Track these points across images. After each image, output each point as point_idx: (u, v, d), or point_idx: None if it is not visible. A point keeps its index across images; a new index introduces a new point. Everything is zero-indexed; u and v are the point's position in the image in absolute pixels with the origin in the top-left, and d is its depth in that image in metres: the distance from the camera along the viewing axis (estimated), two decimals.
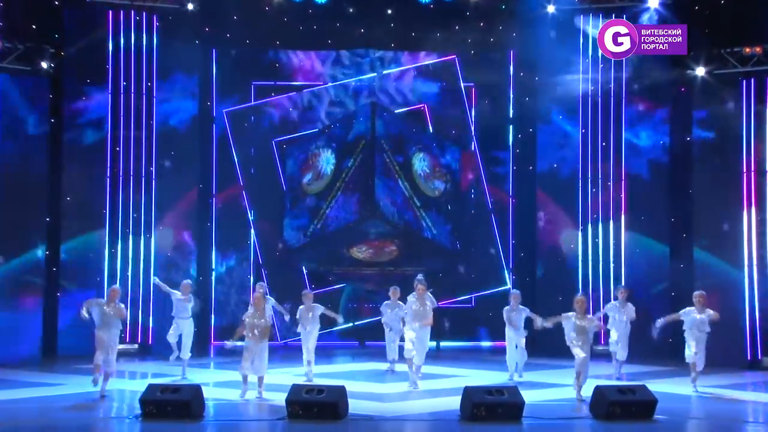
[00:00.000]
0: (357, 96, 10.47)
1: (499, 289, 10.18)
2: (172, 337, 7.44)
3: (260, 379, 6.40)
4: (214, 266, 10.23)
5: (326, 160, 10.20)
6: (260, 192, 10.41)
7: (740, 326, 8.55)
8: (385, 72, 10.48)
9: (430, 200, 10.22)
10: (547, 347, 8.31)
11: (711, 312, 6.75)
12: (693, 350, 6.69)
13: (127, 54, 9.36)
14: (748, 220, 8.75)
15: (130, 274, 9.25)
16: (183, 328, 7.45)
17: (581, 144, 9.67)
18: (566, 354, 6.59)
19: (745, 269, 8.68)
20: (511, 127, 10.51)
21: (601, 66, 9.43)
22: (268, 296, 7.67)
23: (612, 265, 9.48)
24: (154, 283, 8.03)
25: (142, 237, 9.33)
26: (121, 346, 7.17)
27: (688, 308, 6.89)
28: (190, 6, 9.40)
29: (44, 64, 8.82)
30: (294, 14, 9.79)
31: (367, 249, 10.16)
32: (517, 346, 7.37)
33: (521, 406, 5.53)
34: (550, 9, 9.42)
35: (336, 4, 9.68)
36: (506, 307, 7.46)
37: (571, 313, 6.38)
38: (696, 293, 6.93)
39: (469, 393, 5.58)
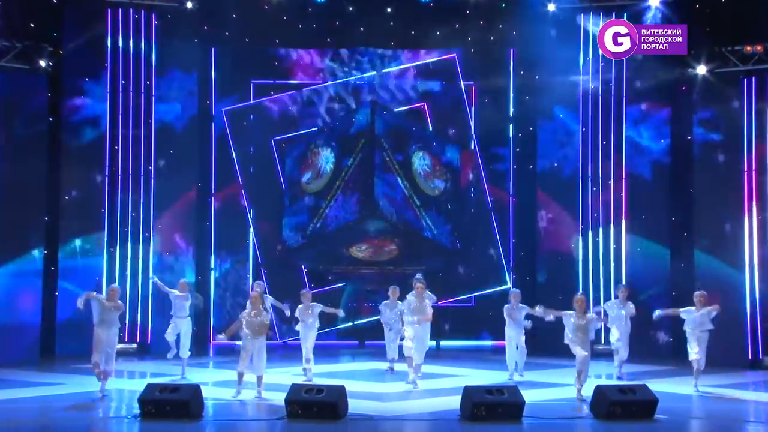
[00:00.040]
0: (357, 94, 10.44)
1: (499, 288, 10.16)
2: (170, 336, 7.42)
3: (259, 378, 6.38)
4: (213, 265, 10.21)
5: (326, 159, 10.17)
6: (259, 191, 10.38)
7: (741, 326, 8.53)
8: (384, 70, 10.44)
9: (430, 199, 10.19)
10: (547, 346, 8.30)
11: (710, 311, 6.71)
12: (695, 350, 6.66)
13: (125, 52, 9.33)
14: (749, 219, 8.73)
15: (128, 273, 9.23)
16: (181, 327, 7.44)
17: (582, 143, 9.65)
18: (566, 353, 6.57)
19: (746, 269, 8.66)
20: (511, 125, 10.49)
21: (601, 64, 9.41)
22: (267, 295, 7.64)
23: (612, 264, 9.47)
24: (153, 283, 8.01)
25: (141, 236, 9.31)
26: (120, 346, 7.16)
27: (688, 307, 6.87)
28: (189, 4, 9.36)
29: (42, 63, 8.79)
30: (293, 12, 9.76)
31: (367, 248, 10.14)
32: (517, 346, 7.35)
33: (521, 406, 5.51)
34: (551, 7, 9.40)
35: (335, 2, 9.67)
36: (506, 306, 7.44)
37: (571, 312, 6.36)
38: (697, 293, 6.91)
39: (469, 392, 5.56)
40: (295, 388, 5.66)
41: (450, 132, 10.57)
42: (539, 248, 9.92)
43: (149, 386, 5.72)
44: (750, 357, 8.54)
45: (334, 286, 10.28)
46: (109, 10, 9.26)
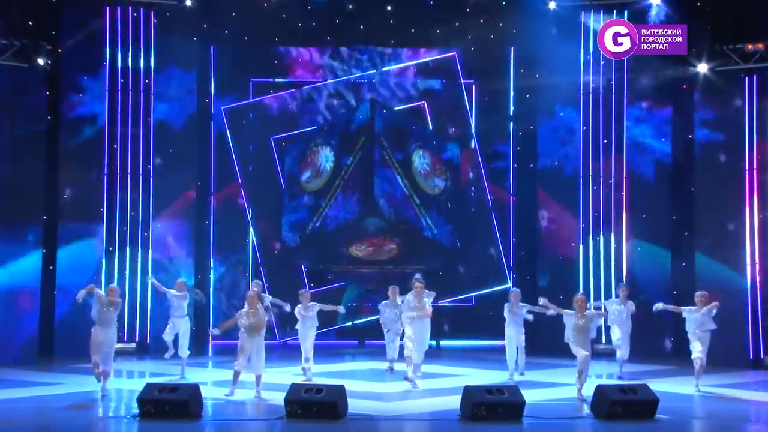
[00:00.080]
0: (356, 93, 10.41)
1: (500, 287, 10.13)
2: (167, 336, 7.40)
3: (258, 377, 6.36)
4: (212, 265, 10.18)
5: (325, 158, 10.14)
6: (259, 190, 10.35)
7: (742, 325, 8.50)
8: (384, 68, 10.41)
9: (430, 198, 10.16)
10: (547, 346, 8.27)
11: (711, 309, 6.68)
12: (698, 349, 6.63)
13: (124, 51, 9.29)
14: (751, 218, 8.70)
15: (127, 272, 9.20)
16: (179, 327, 7.41)
17: (582, 141, 9.61)
18: (567, 353, 6.55)
19: (747, 268, 8.64)
20: (511, 124, 10.45)
21: (602, 63, 9.38)
22: (265, 294, 7.61)
23: (613, 263, 9.44)
24: (151, 283, 7.98)
25: (140, 235, 9.28)
26: (119, 345, 7.13)
27: (690, 307, 6.85)
28: (188, 2, 9.32)
29: (41, 61, 8.75)
30: (293, 10, 9.73)
31: (367, 247, 10.11)
32: (517, 348, 7.31)
33: (522, 406, 5.49)
34: (551, 5, 9.36)
35: (335, 0, 9.61)
36: (506, 305, 7.42)
37: (571, 312, 6.33)
38: (698, 293, 6.88)
39: (469, 392, 5.54)
40: (294, 388, 5.64)
41: (450, 130, 10.54)
42: (540, 247, 9.90)
43: (148, 386, 5.70)
44: (751, 356, 8.51)
45: (334, 285, 10.25)
46: (107, 8, 9.22)
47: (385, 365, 7.90)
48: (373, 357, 8.59)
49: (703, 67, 8.84)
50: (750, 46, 8.67)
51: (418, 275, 7.57)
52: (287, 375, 7.40)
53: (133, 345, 9.15)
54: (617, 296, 7.80)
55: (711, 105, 8.95)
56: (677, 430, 5.43)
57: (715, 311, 6.67)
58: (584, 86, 9.53)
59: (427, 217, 10.09)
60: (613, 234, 9.45)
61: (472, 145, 10.51)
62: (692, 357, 6.69)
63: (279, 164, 10.37)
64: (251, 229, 10.28)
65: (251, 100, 10.39)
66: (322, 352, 8.36)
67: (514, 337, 7.32)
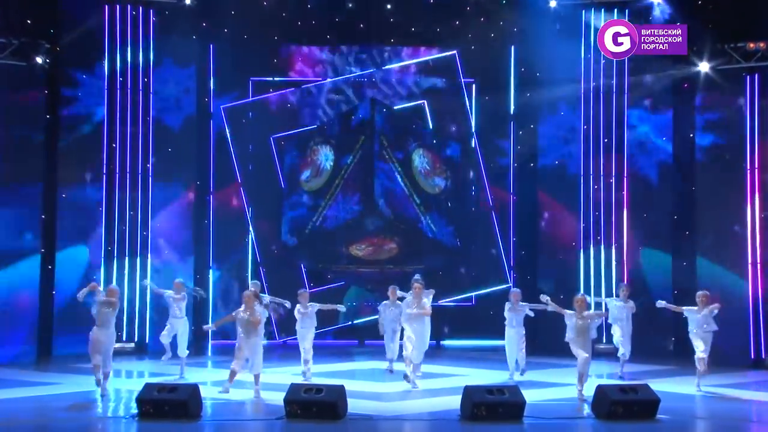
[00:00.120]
0: (356, 92, 10.37)
1: (500, 287, 10.10)
2: (165, 338, 7.35)
3: (256, 377, 6.34)
4: (211, 264, 10.15)
5: (325, 157, 10.11)
6: (258, 189, 10.32)
7: (743, 325, 8.47)
8: (384, 67, 10.37)
9: (430, 198, 10.13)
10: (547, 346, 8.24)
11: (712, 309, 6.66)
12: (701, 348, 6.61)
13: (123, 49, 9.26)
14: (752, 217, 8.67)
15: (126, 272, 9.17)
16: (177, 328, 7.38)
17: (583, 140, 9.58)
18: (567, 353, 6.53)
19: (749, 267, 8.61)
20: (512, 123, 10.42)
21: (602, 62, 9.34)
22: (263, 294, 7.59)
23: (614, 262, 9.40)
24: (146, 287, 7.94)
25: (139, 234, 9.25)
26: (118, 345, 7.10)
27: (691, 307, 6.82)
28: (188, 0, 9.28)
29: (39, 60, 8.71)
30: (293, 9, 9.70)
31: (367, 247, 10.08)
32: (518, 348, 7.28)
33: (522, 406, 5.47)
34: (552, 4, 9.32)
35: None
36: (507, 304, 7.39)
37: (571, 312, 6.31)
38: (699, 293, 6.86)
39: (469, 392, 5.52)
40: (294, 388, 5.62)
41: (450, 129, 10.51)
42: (540, 247, 9.87)
43: (147, 386, 5.68)
44: (752, 356, 8.49)
45: (334, 285, 10.22)
46: (106, 6, 9.18)
47: (384, 365, 7.87)
48: (372, 357, 8.56)
49: (704, 66, 8.80)
50: (751, 45, 8.64)
51: (417, 276, 7.54)
52: (287, 375, 7.37)
53: (132, 345, 9.12)
54: (618, 296, 7.79)
55: (712, 104, 8.92)
56: (678, 430, 5.42)
57: (716, 312, 6.65)
58: (585, 85, 9.50)
59: (427, 216, 10.06)
60: (613, 233, 9.43)
61: (473, 144, 10.47)
62: (695, 357, 6.67)
63: (278, 163, 10.34)
64: (250, 228, 10.25)
65: (251, 98, 10.35)
66: (322, 352, 8.33)
67: (514, 337, 7.29)
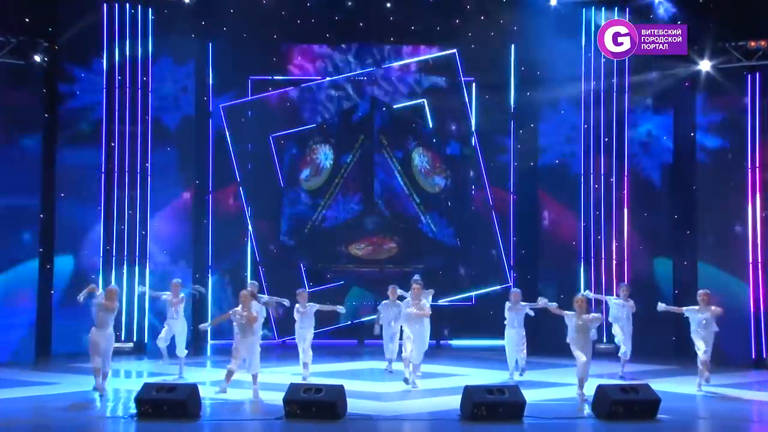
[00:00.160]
0: (356, 90, 10.34)
1: (500, 286, 10.08)
2: (161, 342, 7.29)
3: (254, 376, 6.31)
4: (210, 263, 10.12)
5: (324, 156, 10.08)
6: (257, 188, 10.29)
7: (745, 325, 8.45)
8: (384, 66, 10.33)
9: (430, 197, 10.10)
10: (547, 346, 8.22)
11: (714, 308, 6.64)
12: (702, 349, 6.58)
13: (122, 48, 9.23)
14: (753, 216, 8.64)
15: (125, 271, 9.14)
16: (175, 329, 7.34)
17: (583, 139, 9.55)
18: (567, 353, 6.50)
19: (750, 267, 8.59)
20: (512, 122, 10.38)
21: (603, 60, 9.30)
22: (260, 294, 7.55)
23: (614, 262, 9.38)
24: (144, 293, 7.91)
25: (138, 234, 9.22)
26: (116, 345, 7.05)
27: (692, 307, 6.80)
28: None
29: (38, 58, 8.69)
30: (292, 7, 9.68)
31: (366, 246, 10.06)
32: (517, 348, 7.25)
33: (522, 406, 5.45)
34: (552, 2, 9.28)
35: None
36: (507, 305, 7.37)
37: (572, 313, 6.28)
38: (700, 291, 6.84)
39: (469, 392, 5.50)
40: (293, 388, 5.59)
41: (450, 128, 10.47)
42: (540, 246, 9.84)
43: (146, 386, 5.66)
44: (754, 356, 8.47)
45: (333, 284, 10.19)
46: (105, 5, 9.16)
47: (384, 364, 7.85)
48: (372, 356, 8.54)
49: (705, 65, 8.78)
50: (752, 44, 8.61)
51: (417, 276, 7.52)
52: (286, 375, 7.35)
53: (131, 344, 9.09)
54: (618, 295, 7.77)
55: (713, 103, 8.89)
56: (679, 430, 5.40)
57: (717, 313, 6.61)
58: (585, 84, 9.47)
59: (427, 216, 10.03)
60: (614, 232, 9.40)
61: (473, 143, 10.44)
62: (699, 359, 6.63)
63: (278, 162, 10.31)
64: (250, 228, 10.22)
65: (250, 97, 10.32)
66: (321, 352, 8.30)
67: (514, 337, 7.27)
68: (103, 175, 9.20)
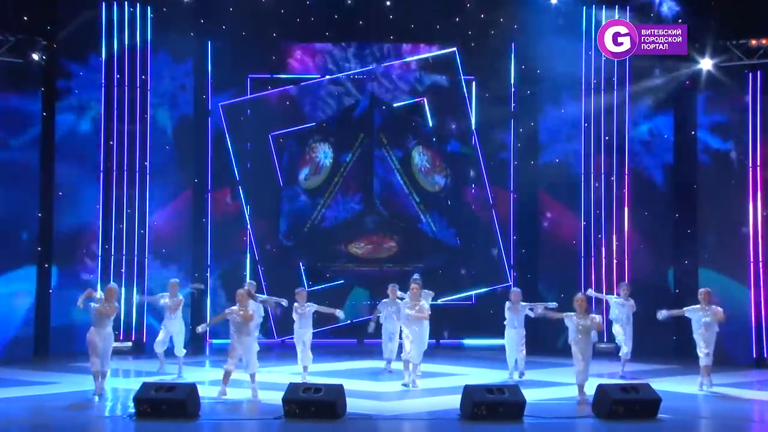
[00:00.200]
0: (355, 89, 10.30)
1: (500, 286, 10.05)
2: (159, 347, 7.20)
3: (252, 376, 6.28)
4: (209, 262, 10.10)
5: (324, 155, 10.05)
6: (256, 187, 10.25)
7: (746, 324, 8.43)
8: (384, 64, 10.30)
9: (430, 196, 10.07)
10: (547, 346, 8.20)
11: (715, 309, 6.62)
12: (704, 352, 6.55)
13: (120, 46, 9.21)
14: (754, 215, 8.62)
15: (124, 271, 9.12)
16: (173, 330, 7.30)
17: (584, 138, 9.53)
18: (567, 353, 6.48)
19: (751, 266, 8.56)
20: (512, 120, 10.35)
21: (604, 58, 9.26)
22: (258, 294, 7.52)
23: (615, 261, 9.36)
24: (142, 302, 7.84)
25: (136, 233, 9.20)
26: (115, 344, 7.03)
27: (693, 306, 6.77)
28: None
29: (36, 56, 8.66)
30: (291, 6, 9.64)
31: (366, 245, 10.04)
32: (517, 348, 7.22)
33: (523, 405, 5.43)
34: (553, 0, 9.25)
35: None
36: (507, 304, 7.34)
37: (572, 314, 6.25)
38: (701, 290, 6.82)
39: (469, 392, 5.48)
40: (292, 387, 5.57)
41: (450, 127, 10.44)
42: (541, 245, 9.82)
43: (145, 385, 5.63)
44: (755, 355, 8.45)
45: (332, 283, 10.17)
46: (103, 3, 9.13)
47: (383, 364, 7.82)
48: (371, 356, 8.52)
49: (706, 63, 8.75)
50: (754, 42, 8.59)
51: (416, 275, 7.50)
52: (285, 374, 7.33)
53: (130, 344, 9.07)
54: (619, 294, 7.74)
55: (714, 101, 8.87)
56: (679, 430, 5.37)
57: (719, 318, 6.57)
58: (586, 82, 9.44)
59: (427, 214, 10.00)
60: (615, 231, 9.37)
61: (473, 142, 10.41)
62: (700, 360, 6.60)
63: (277, 161, 10.28)
64: (249, 227, 10.19)
65: (249, 96, 10.29)
66: (320, 351, 8.28)
67: (514, 338, 7.23)
68: (101, 173, 9.17)
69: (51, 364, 8.15)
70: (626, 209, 9.39)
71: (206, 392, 6.24)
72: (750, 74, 8.67)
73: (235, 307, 6.30)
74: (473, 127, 10.42)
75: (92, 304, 6.26)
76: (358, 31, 10.05)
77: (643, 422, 5.34)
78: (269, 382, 6.68)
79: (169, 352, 7.38)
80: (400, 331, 7.17)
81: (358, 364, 8.32)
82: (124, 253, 9.17)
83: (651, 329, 7.89)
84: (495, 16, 9.74)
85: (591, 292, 7.94)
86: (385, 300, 7.69)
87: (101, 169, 9.18)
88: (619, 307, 7.55)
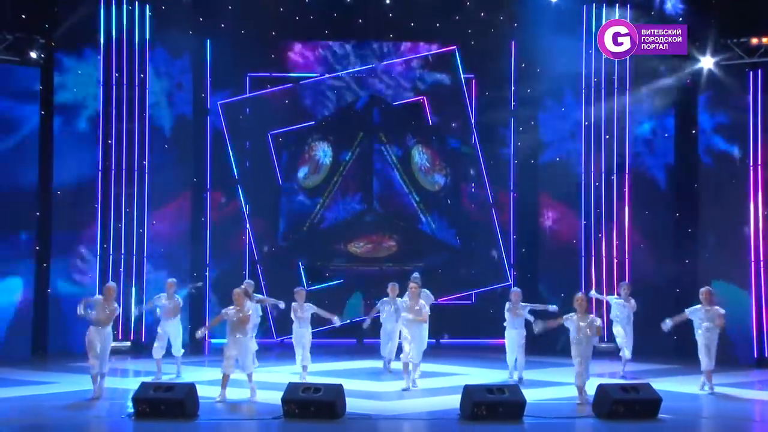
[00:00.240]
0: (355, 88, 10.26)
1: (500, 285, 10.02)
2: (157, 352, 7.12)
3: (249, 376, 6.25)
4: (208, 261, 10.07)
5: (323, 153, 10.02)
6: (255, 186, 10.21)
7: (747, 323, 8.41)
8: (383, 63, 10.27)
9: (430, 195, 10.04)
10: (547, 346, 8.17)
11: (717, 310, 6.59)
12: (706, 359, 6.50)
13: (119, 45, 9.18)
14: (755, 214, 8.59)
15: (122, 270, 9.09)
16: (170, 330, 7.26)
17: (584, 136, 9.50)
18: (567, 353, 6.45)
19: (752, 265, 8.53)
20: (512, 119, 10.31)
21: (604, 57, 9.23)
22: (256, 294, 7.48)
23: (615, 260, 9.33)
24: (141, 313, 7.78)
25: (135, 232, 9.17)
26: (114, 344, 7.03)
27: (694, 307, 6.73)
28: None
29: (34, 55, 8.63)
30: (290, 4, 9.61)
31: (365, 244, 10.01)
32: (517, 348, 7.18)
33: (523, 405, 5.41)
34: None
35: None
36: (507, 305, 7.31)
37: (572, 314, 6.21)
38: (702, 290, 6.77)
39: (469, 391, 5.47)
40: (292, 387, 5.56)
41: (450, 126, 10.40)
42: (541, 245, 9.78)
43: (143, 385, 5.63)
44: (756, 355, 8.42)
45: (331, 283, 10.14)
46: (102, 1, 9.10)
47: (381, 363, 7.79)
48: (371, 356, 8.50)
49: (707, 62, 8.72)
50: (755, 40, 8.56)
51: (415, 274, 7.46)
52: (284, 374, 7.30)
53: (128, 344, 9.04)
54: (619, 294, 7.71)
55: (715, 100, 8.83)
56: (680, 430, 5.36)
57: (720, 323, 6.53)
58: (586, 81, 9.41)
59: (426, 214, 9.97)
60: (615, 230, 9.34)
61: (473, 141, 10.38)
62: (703, 368, 6.55)
63: (276, 160, 10.24)
64: (248, 226, 10.17)
65: (248, 94, 10.26)
66: (320, 351, 8.25)
67: (515, 338, 7.18)
68: (100, 172, 9.14)
69: (49, 363, 8.13)
70: (627, 209, 9.37)
71: (205, 392, 6.21)
72: (751, 73, 8.64)
73: (231, 308, 6.25)
74: (473, 126, 10.38)
75: (90, 312, 6.18)
76: (357, 29, 10.01)
77: (643, 422, 5.32)
78: (268, 382, 6.67)
79: (167, 353, 7.34)
80: (400, 331, 7.14)
81: (358, 363, 8.29)
82: (122, 252, 9.14)
83: (651, 329, 7.85)
84: (495, 14, 9.70)
85: (593, 293, 7.91)
86: (385, 299, 7.66)
87: (99, 167, 9.14)
88: (620, 307, 7.52)
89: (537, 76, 9.75)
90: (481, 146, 10.36)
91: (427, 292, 7.35)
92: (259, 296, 7.54)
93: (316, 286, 9.85)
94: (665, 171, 9.34)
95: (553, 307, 6.91)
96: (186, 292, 8.10)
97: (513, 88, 10.20)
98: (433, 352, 8.03)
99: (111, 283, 6.68)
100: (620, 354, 7.58)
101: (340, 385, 5.59)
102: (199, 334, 6.51)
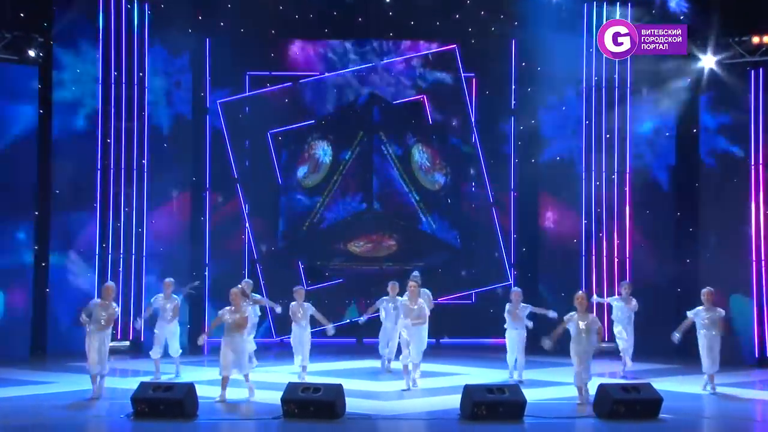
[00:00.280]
0: (355, 86, 10.24)
1: (501, 285, 10.00)
2: (155, 353, 7.10)
3: (245, 376, 6.22)
4: (207, 261, 10.04)
5: (323, 153, 9.99)
6: (255, 185, 10.20)
7: (748, 323, 8.40)
8: (383, 62, 10.25)
9: (430, 194, 10.02)
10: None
11: (718, 312, 6.57)
12: (708, 362, 6.48)
13: (117, 43, 9.16)
14: (756, 213, 8.58)
15: (122, 269, 9.07)
16: (168, 331, 7.24)
17: (585, 135, 9.48)
18: (567, 353, 6.41)
19: (753, 264, 8.52)
20: (512, 118, 10.29)
21: (604, 55, 9.20)
22: (254, 294, 7.45)
23: (616, 260, 9.31)
24: (141, 323, 7.78)
25: (134, 232, 9.15)
26: (113, 344, 7.02)
27: (696, 308, 6.71)
28: None
29: (32, 53, 8.61)
30: (290, 2, 9.59)
31: (365, 244, 9.99)
32: (517, 350, 7.16)
33: (523, 405, 5.39)
34: None
35: None
36: (507, 305, 7.28)
37: (572, 314, 6.18)
38: (704, 290, 6.74)
39: (469, 391, 5.45)
40: (291, 387, 5.54)
41: (450, 125, 10.38)
42: (541, 244, 9.77)
43: (142, 385, 5.61)
44: (757, 355, 8.41)
45: (331, 282, 10.11)
46: (101, 0, 9.06)
47: (380, 363, 7.77)
48: (371, 355, 8.48)
49: (708, 60, 8.70)
50: (756, 39, 8.54)
51: (415, 273, 7.43)
52: (284, 374, 7.28)
53: (127, 343, 9.02)
54: (620, 293, 7.69)
55: (716, 99, 8.81)
56: (681, 430, 5.34)
57: (721, 328, 6.51)
58: (587, 79, 9.39)
59: (426, 213, 9.95)
60: (616, 229, 9.32)
61: (473, 140, 10.36)
62: (705, 371, 6.53)
63: (275, 159, 10.22)
64: (247, 225, 10.14)
65: (247, 93, 10.23)
66: (319, 351, 8.23)
67: (515, 338, 7.15)
68: (98, 171, 9.12)
69: (48, 363, 8.12)
70: (627, 208, 9.35)
71: (205, 392, 6.19)
72: (752, 71, 8.62)
73: (227, 309, 6.20)
74: (473, 125, 10.36)
75: (89, 321, 6.13)
76: (357, 28, 9.98)
77: (644, 422, 5.30)
78: (268, 382, 6.66)
79: (165, 361, 7.31)
80: (400, 332, 7.12)
81: (357, 363, 8.27)
82: (121, 252, 9.12)
83: (652, 329, 7.86)
84: (495, 13, 9.66)
85: (595, 298, 7.86)
86: (385, 297, 7.63)
87: (98, 166, 9.12)
88: (621, 308, 7.49)
89: (537, 75, 9.72)
90: (482, 145, 10.33)
91: (427, 291, 7.32)
92: (257, 297, 7.51)
93: (315, 286, 9.82)
94: (666, 170, 9.32)
95: (552, 314, 6.85)
96: (183, 296, 8.07)
97: (513, 86, 10.17)
98: (433, 352, 8.02)
99: (110, 283, 6.66)
100: (621, 354, 7.54)
101: (340, 385, 5.57)
102: (200, 341, 6.48)
